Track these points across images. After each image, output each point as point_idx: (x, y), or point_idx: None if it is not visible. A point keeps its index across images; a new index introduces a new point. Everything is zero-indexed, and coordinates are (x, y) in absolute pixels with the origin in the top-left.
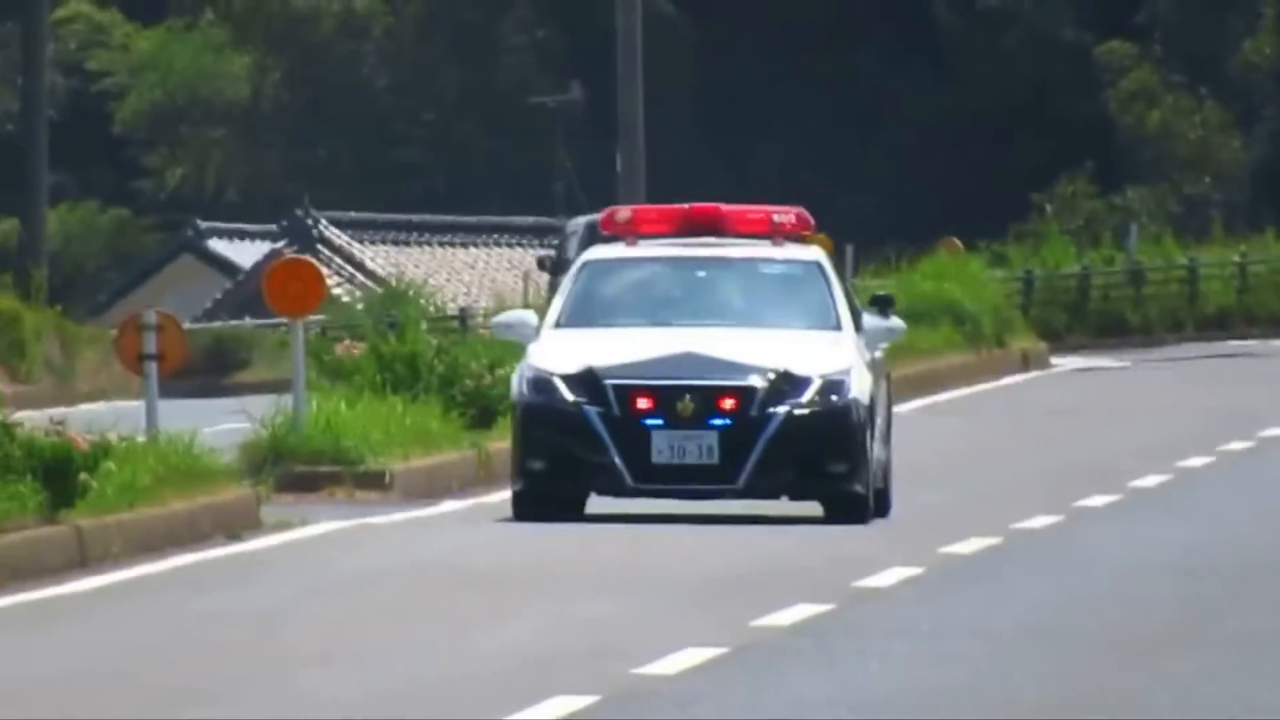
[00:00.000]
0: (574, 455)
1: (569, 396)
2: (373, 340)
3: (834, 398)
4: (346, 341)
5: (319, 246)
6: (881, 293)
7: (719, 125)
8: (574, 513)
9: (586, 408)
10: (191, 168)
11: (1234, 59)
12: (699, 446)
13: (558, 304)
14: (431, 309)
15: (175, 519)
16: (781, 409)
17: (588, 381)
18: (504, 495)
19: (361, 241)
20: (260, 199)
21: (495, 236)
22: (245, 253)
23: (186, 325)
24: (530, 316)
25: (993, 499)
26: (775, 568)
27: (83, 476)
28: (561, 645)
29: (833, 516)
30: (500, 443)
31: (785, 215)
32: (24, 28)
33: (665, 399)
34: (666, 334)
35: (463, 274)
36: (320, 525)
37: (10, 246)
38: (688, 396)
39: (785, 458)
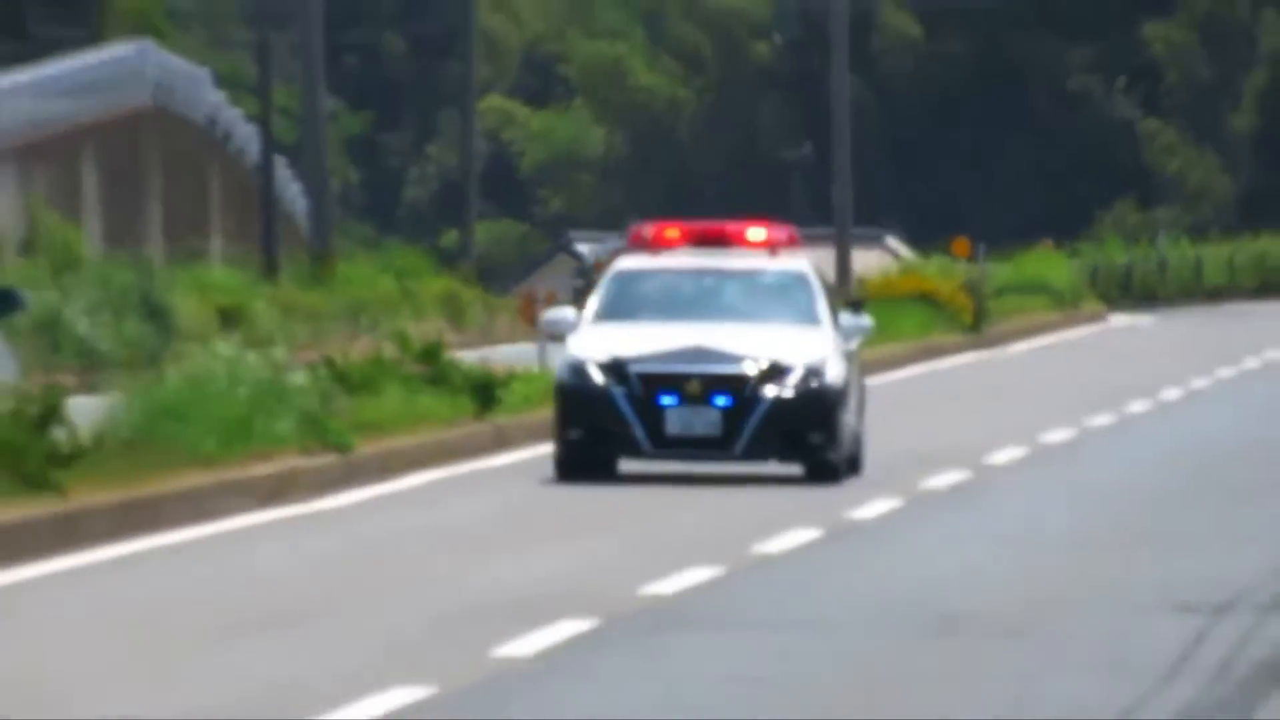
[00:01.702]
0: (603, 427)
1: (600, 379)
2: None
3: (813, 382)
4: None
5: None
6: (855, 298)
7: (891, 164)
8: (608, 474)
9: (614, 389)
10: (565, 199)
11: (1226, 128)
12: (705, 421)
13: (593, 303)
14: None
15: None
16: (771, 391)
17: (615, 367)
18: None
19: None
20: (607, 218)
21: None
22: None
23: (559, 299)
24: (571, 314)
25: (1064, 406)
26: (773, 510)
27: (499, 392)
28: (572, 576)
29: (812, 478)
30: None
31: (780, 232)
32: (461, 112)
33: (678, 382)
34: (680, 329)
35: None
36: None
37: (453, 249)
38: (696, 381)
39: (774, 431)
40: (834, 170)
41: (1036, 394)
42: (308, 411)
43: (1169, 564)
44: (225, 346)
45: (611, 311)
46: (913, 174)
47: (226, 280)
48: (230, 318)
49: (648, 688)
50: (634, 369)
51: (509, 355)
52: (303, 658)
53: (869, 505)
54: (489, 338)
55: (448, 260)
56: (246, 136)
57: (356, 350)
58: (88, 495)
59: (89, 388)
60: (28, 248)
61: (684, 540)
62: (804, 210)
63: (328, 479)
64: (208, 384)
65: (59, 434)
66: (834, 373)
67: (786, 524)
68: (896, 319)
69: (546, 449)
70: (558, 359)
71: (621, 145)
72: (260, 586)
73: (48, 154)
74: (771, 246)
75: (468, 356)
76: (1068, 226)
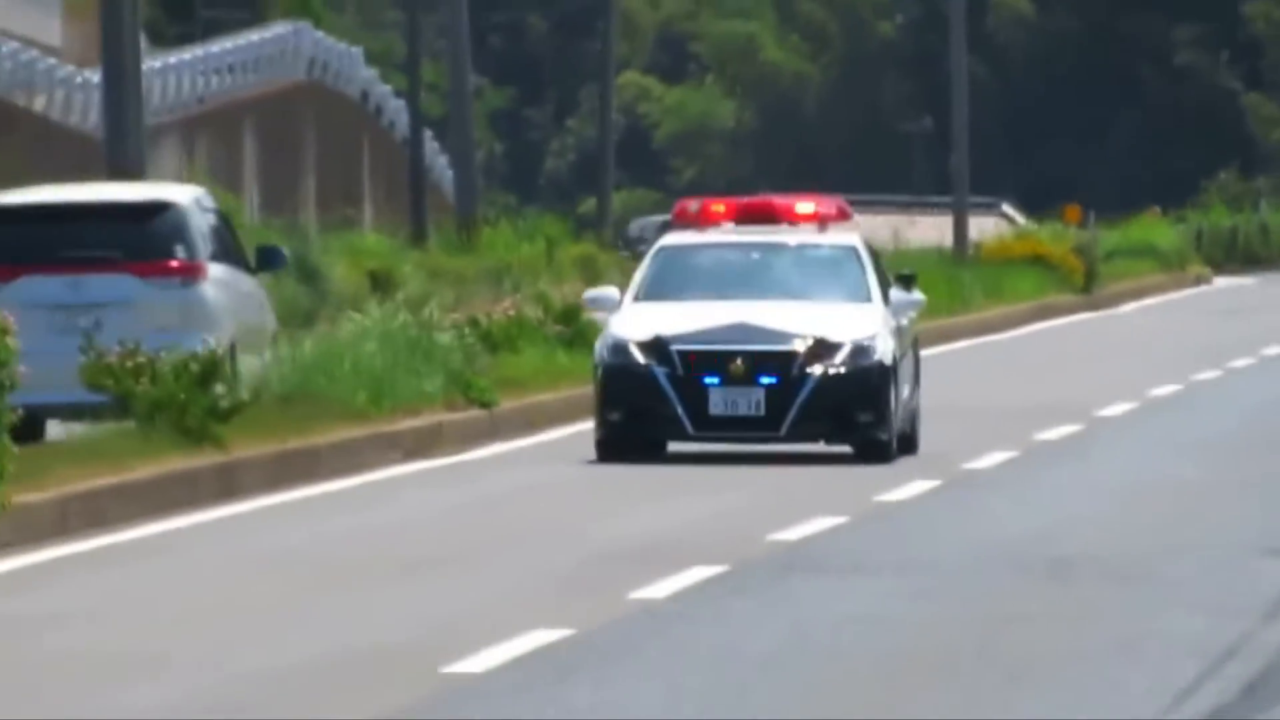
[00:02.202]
0: (645, 408)
1: (641, 359)
2: None
3: (862, 360)
4: None
5: None
6: (906, 271)
7: (1007, 136)
8: (658, 454)
9: (656, 369)
10: (697, 169)
11: None
12: (749, 401)
13: (636, 281)
14: None
15: None
16: (818, 369)
17: (657, 347)
18: None
19: None
20: (738, 187)
21: (879, 208)
22: None
23: None
24: (614, 292)
25: (1171, 362)
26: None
27: None
28: (703, 524)
29: (861, 458)
30: None
31: (828, 206)
32: (599, 87)
33: (721, 361)
34: (724, 307)
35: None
36: None
37: (590, 216)
38: (739, 360)
39: (821, 410)
40: (952, 142)
41: (1145, 351)
42: (453, 369)
43: (1271, 510)
44: (376, 308)
45: (654, 289)
46: (1027, 145)
47: (377, 246)
48: (380, 281)
49: (776, 627)
50: (676, 348)
51: None
52: (445, 601)
53: (986, 456)
54: None
55: (585, 227)
56: (396, 111)
57: (499, 312)
58: (246, 448)
59: (247, 347)
60: None
61: (809, 492)
62: (924, 180)
63: (472, 433)
64: (359, 343)
65: (219, 390)
66: (884, 349)
67: (908, 476)
68: (1012, 281)
69: None
70: (599, 339)
71: (750, 118)
72: (406, 534)
73: (210, 127)
74: (821, 221)
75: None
76: (1174, 194)
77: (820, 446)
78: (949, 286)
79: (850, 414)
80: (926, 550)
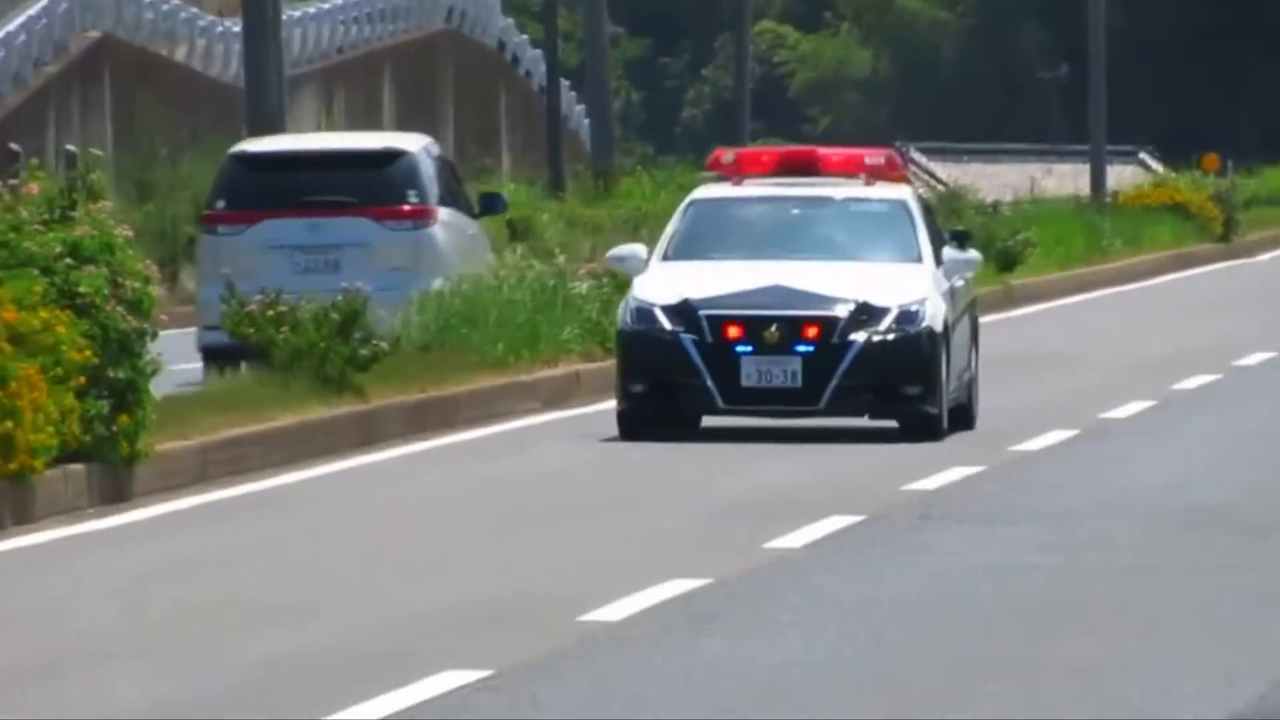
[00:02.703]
0: (671, 379)
1: (667, 325)
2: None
3: (909, 326)
4: None
5: (909, 164)
6: (960, 228)
7: (1145, 84)
8: (691, 428)
9: (683, 336)
10: (833, 118)
11: None
12: (784, 371)
13: (664, 239)
14: (975, 201)
15: None
16: (860, 336)
17: (684, 311)
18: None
19: (934, 160)
20: (874, 136)
21: (1015, 157)
22: None
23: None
24: (640, 250)
25: None
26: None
27: None
28: (839, 476)
29: (908, 435)
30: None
31: (876, 157)
32: (735, 36)
33: (754, 328)
34: (759, 267)
35: (995, 180)
36: None
37: None
38: (774, 326)
39: (863, 381)
40: (1090, 90)
41: None
42: (590, 319)
43: None
44: (513, 257)
45: (684, 248)
46: (1165, 93)
47: (514, 195)
48: (518, 230)
49: (912, 575)
50: (705, 312)
51: None
52: (581, 549)
53: (1123, 406)
54: None
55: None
56: (533, 60)
57: None
58: (385, 396)
59: None
60: None
61: (945, 442)
62: (1061, 129)
63: (608, 384)
64: (497, 292)
65: (359, 339)
66: (934, 314)
67: (1044, 425)
68: (1150, 230)
69: None
70: (622, 303)
71: (886, 67)
72: (542, 484)
73: (348, 76)
74: (868, 173)
75: None
76: None
77: (864, 421)
78: (1087, 235)
79: (896, 386)
80: (1063, 500)
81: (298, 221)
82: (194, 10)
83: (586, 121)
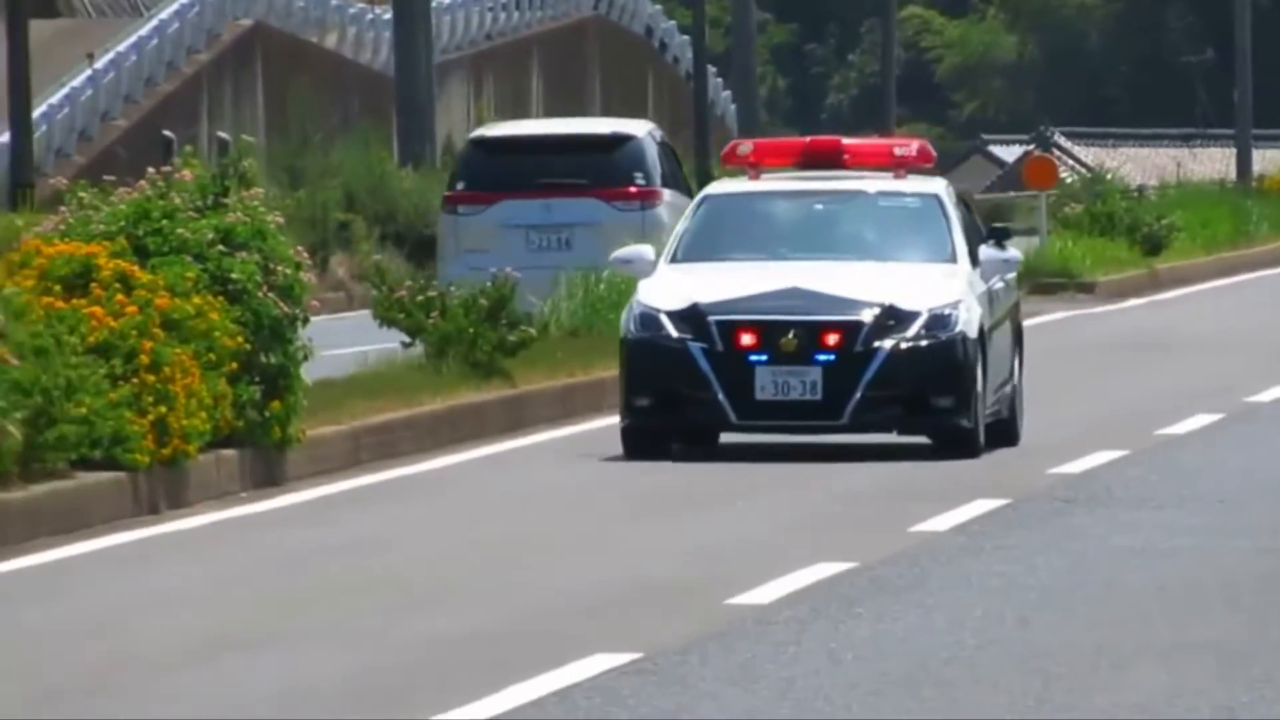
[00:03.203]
0: (678, 392)
1: (674, 333)
2: (1087, 204)
3: (941, 332)
4: (1069, 205)
5: (1054, 149)
6: (999, 225)
7: None
8: (708, 444)
9: (691, 344)
10: (979, 103)
11: None
12: (803, 382)
13: (674, 239)
14: (1120, 186)
15: None
16: (887, 343)
17: (692, 317)
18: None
19: (1079, 145)
20: (1020, 121)
21: (1161, 141)
22: (1009, 154)
23: (976, 197)
24: (648, 251)
25: None
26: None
27: None
28: (984, 460)
29: (940, 451)
30: (1165, 263)
31: (906, 148)
32: (881, 21)
33: (769, 335)
34: (776, 269)
35: (1141, 164)
36: None
37: None
38: (791, 332)
39: (890, 393)
40: (1235, 74)
41: None
42: None
43: None
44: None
45: (694, 248)
46: None
47: None
48: None
49: (1057, 559)
50: (715, 318)
51: None
52: (729, 534)
53: (1270, 389)
54: None
55: None
56: (680, 46)
57: None
58: (533, 381)
59: None
60: None
61: (1090, 426)
62: (1207, 113)
63: None
64: None
65: (507, 324)
66: (968, 319)
67: (1190, 408)
68: None
69: None
70: (625, 309)
71: (1032, 52)
72: (689, 469)
73: (497, 62)
74: (897, 165)
75: None
76: None
77: (891, 437)
78: (1233, 219)
79: (926, 397)
80: (1208, 483)
81: (532, 202)
82: None
83: (733, 107)
